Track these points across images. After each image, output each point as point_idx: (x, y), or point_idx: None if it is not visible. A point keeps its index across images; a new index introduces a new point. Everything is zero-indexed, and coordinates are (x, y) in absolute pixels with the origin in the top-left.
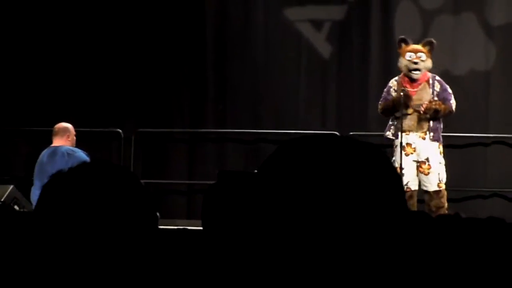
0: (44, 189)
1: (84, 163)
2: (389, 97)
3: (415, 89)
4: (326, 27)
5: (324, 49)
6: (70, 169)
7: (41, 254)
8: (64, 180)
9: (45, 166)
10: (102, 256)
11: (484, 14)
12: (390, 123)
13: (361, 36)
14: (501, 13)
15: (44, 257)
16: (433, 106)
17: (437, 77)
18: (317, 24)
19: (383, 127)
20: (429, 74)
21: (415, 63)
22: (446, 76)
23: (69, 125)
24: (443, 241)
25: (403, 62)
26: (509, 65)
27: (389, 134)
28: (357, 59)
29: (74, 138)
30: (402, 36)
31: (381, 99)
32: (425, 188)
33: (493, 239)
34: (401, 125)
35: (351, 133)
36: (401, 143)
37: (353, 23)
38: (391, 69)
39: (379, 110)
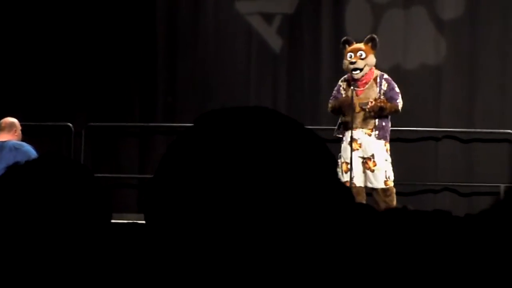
0: None
1: (39, 156)
2: (339, 96)
3: (362, 88)
4: (277, 20)
5: (275, 42)
6: (26, 162)
7: None
8: (18, 174)
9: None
10: (55, 250)
11: (435, 8)
12: (339, 121)
13: (312, 29)
14: (451, 7)
15: None
16: (378, 104)
17: (386, 76)
18: (268, 17)
19: (334, 122)
20: (377, 73)
21: (353, 63)
22: (397, 71)
23: (15, 120)
24: (386, 232)
25: (345, 63)
26: (459, 59)
27: (337, 132)
28: (308, 52)
29: (20, 132)
30: (345, 38)
31: (331, 97)
32: (371, 185)
33: (438, 232)
34: (351, 122)
35: None
36: (347, 139)
37: (304, 16)
38: (342, 63)
39: (328, 109)
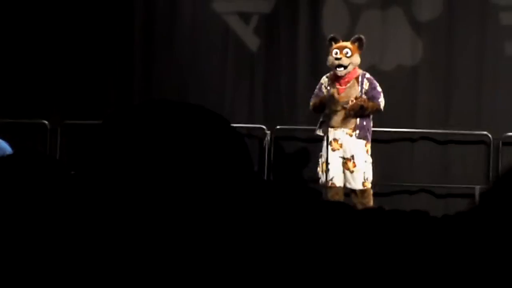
0: None
1: (14, 152)
2: (321, 94)
3: (344, 86)
4: (254, 20)
5: (252, 42)
6: (0, 158)
7: None
8: None
9: None
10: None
11: (411, 9)
12: (321, 119)
13: (289, 29)
14: (428, 8)
15: None
16: (359, 103)
17: (367, 75)
18: (245, 17)
19: (311, 122)
20: (359, 72)
21: (338, 59)
22: (373, 72)
23: None
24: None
25: (330, 59)
26: (436, 60)
27: (319, 130)
28: (285, 52)
29: None
30: (332, 35)
31: (313, 95)
32: (349, 186)
33: (415, 231)
34: (329, 121)
35: (278, 126)
36: (327, 138)
37: (281, 16)
38: (319, 63)
39: (310, 107)
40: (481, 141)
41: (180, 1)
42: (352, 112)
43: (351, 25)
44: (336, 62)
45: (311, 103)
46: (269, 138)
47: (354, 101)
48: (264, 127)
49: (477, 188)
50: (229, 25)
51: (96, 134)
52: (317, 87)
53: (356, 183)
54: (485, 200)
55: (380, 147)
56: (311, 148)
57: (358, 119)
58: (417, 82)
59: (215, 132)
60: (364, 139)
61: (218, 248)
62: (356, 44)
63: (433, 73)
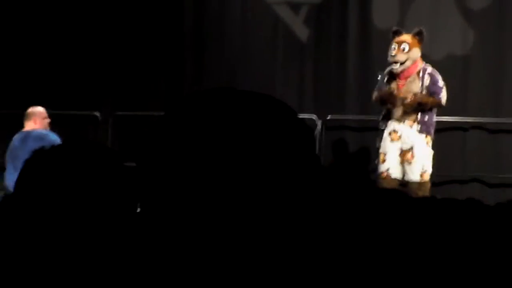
0: (25, 166)
1: (65, 141)
2: (383, 87)
3: (404, 81)
4: (303, 10)
5: (302, 32)
6: (52, 146)
7: (21, 233)
8: (46, 157)
9: (17, 151)
10: (84, 235)
11: None
12: (383, 112)
13: (338, 19)
14: None
15: (24, 236)
16: (417, 100)
17: (429, 70)
18: (294, 7)
19: (361, 111)
20: (421, 66)
21: (393, 56)
22: (424, 61)
23: (38, 109)
24: (417, 218)
25: (389, 54)
26: (487, 49)
27: (381, 123)
28: (335, 42)
29: (46, 121)
30: (395, 28)
31: (376, 87)
32: (407, 178)
33: (470, 219)
34: (390, 114)
35: (329, 116)
36: (387, 129)
37: (331, 6)
38: (368, 53)
39: (373, 99)
40: None
41: None
42: (410, 109)
43: (401, 15)
44: (391, 59)
45: (373, 96)
46: (319, 128)
47: (412, 97)
48: (314, 117)
49: None
50: (279, 16)
51: (160, 122)
52: (380, 79)
53: (414, 175)
54: None
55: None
56: (362, 138)
57: (419, 114)
58: (467, 71)
59: (286, 125)
60: (425, 133)
61: (288, 246)
62: (417, 38)
63: (484, 62)
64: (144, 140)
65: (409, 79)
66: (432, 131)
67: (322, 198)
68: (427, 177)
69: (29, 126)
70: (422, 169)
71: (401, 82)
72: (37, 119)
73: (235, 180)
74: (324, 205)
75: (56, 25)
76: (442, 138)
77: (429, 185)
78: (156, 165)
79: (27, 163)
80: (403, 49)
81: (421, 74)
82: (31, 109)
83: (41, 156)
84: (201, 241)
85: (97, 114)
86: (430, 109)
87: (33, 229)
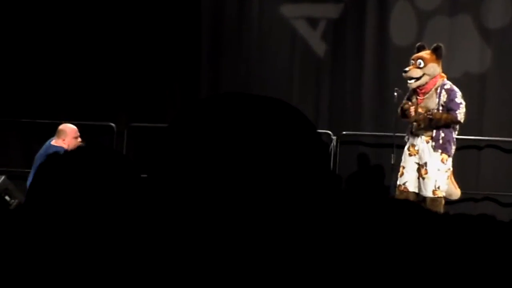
0: (39, 170)
1: (79, 147)
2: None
3: (422, 97)
4: (321, 25)
5: (319, 47)
6: (65, 151)
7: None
8: (59, 162)
9: (37, 159)
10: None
11: (480, 16)
12: (409, 126)
13: (356, 35)
14: (497, 16)
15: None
16: (427, 116)
17: (447, 86)
18: (312, 22)
19: (376, 127)
20: (440, 82)
21: (405, 71)
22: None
23: (70, 128)
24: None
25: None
26: (504, 68)
27: (406, 137)
28: (352, 58)
29: (74, 141)
30: (420, 43)
31: (402, 102)
32: (421, 193)
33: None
34: (411, 128)
35: (344, 132)
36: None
37: (349, 22)
38: (385, 69)
39: (398, 113)
40: None
41: (247, 5)
42: (422, 125)
43: (419, 32)
44: (403, 74)
45: (398, 110)
46: (334, 143)
47: (422, 116)
48: (330, 132)
49: None
50: (296, 30)
51: (170, 129)
52: (397, 94)
53: (427, 191)
54: None
55: None
56: (377, 154)
57: (434, 131)
58: (484, 90)
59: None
60: (440, 149)
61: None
62: (434, 54)
63: (501, 81)
64: (153, 148)
65: (427, 95)
66: (450, 148)
67: (334, 206)
68: (440, 193)
69: (56, 141)
70: (435, 186)
71: (420, 97)
72: (66, 138)
73: (246, 188)
74: (335, 213)
75: (75, 38)
76: (457, 155)
77: (442, 202)
78: (165, 174)
79: (41, 168)
80: (419, 64)
81: (438, 90)
82: (63, 127)
83: (54, 161)
84: (214, 250)
85: (113, 125)
86: (448, 126)
87: (44, 234)
